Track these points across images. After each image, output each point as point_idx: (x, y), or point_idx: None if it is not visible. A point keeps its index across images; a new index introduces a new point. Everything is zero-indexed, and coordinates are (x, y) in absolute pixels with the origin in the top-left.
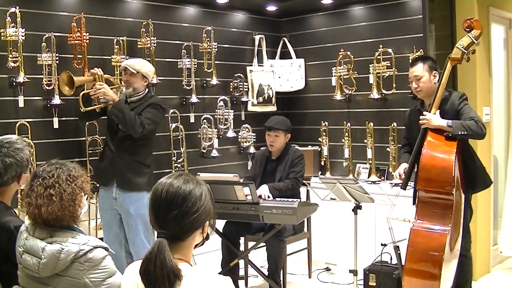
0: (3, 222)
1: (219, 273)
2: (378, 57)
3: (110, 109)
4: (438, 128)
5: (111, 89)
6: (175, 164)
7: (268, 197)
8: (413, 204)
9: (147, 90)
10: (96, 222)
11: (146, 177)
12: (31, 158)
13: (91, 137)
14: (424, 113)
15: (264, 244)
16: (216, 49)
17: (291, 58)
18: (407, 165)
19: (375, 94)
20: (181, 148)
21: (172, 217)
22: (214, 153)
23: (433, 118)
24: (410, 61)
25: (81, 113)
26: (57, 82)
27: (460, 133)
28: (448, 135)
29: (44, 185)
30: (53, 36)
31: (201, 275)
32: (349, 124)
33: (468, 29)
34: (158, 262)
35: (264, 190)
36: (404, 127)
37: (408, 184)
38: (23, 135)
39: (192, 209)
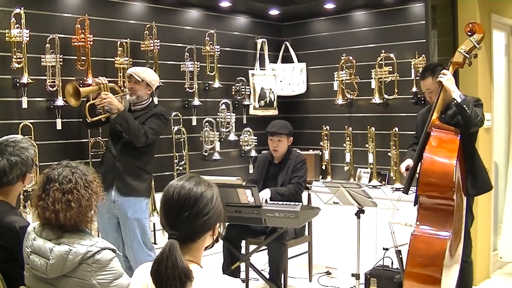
0: (9, 222)
1: None
2: (380, 62)
3: (115, 118)
4: (440, 132)
5: (116, 97)
6: (177, 167)
7: (266, 200)
8: (414, 205)
9: (151, 99)
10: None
11: (146, 183)
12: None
13: (93, 138)
14: (444, 71)
15: (266, 247)
16: (218, 53)
17: (293, 62)
18: (411, 161)
19: (376, 99)
20: (183, 151)
21: (183, 219)
22: (216, 156)
23: (451, 80)
24: (420, 73)
25: (87, 123)
26: (60, 84)
27: (464, 106)
28: (454, 102)
29: (62, 190)
30: (57, 37)
31: (212, 277)
32: (350, 128)
33: (470, 33)
34: (170, 263)
35: (265, 194)
36: (407, 131)
37: (410, 189)
38: (26, 136)
39: (203, 211)
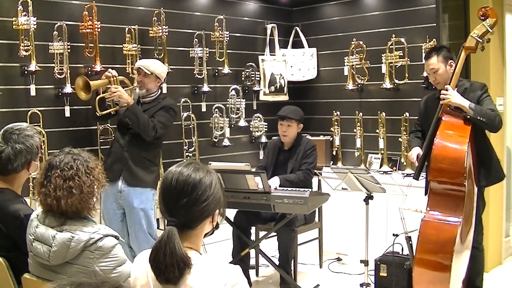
0: (13, 210)
1: (230, 262)
2: (391, 46)
3: (124, 112)
4: (452, 117)
5: (125, 90)
6: (187, 153)
7: (275, 188)
8: (425, 195)
9: (159, 91)
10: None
11: (153, 175)
12: (43, 147)
13: (102, 126)
14: (447, 87)
15: (275, 233)
16: (228, 38)
17: (303, 47)
18: (419, 149)
19: (387, 84)
20: (193, 137)
21: (182, 205)
22: (226, 142)
23: (455, 95)
24: (425, 54)
25: (97, 116)
26: (68, 71)
27: (479, 118)
28: (466, 116)
29: (63, 177)
30: (64, 24)
31: (211, 263)
32: (361, 114)
33: (483, 18)
34: (168, 250)
35: (275, 182)
36: (416, 117)
37: (421, 175)
38: (35, 124)
39: (202, 197)
